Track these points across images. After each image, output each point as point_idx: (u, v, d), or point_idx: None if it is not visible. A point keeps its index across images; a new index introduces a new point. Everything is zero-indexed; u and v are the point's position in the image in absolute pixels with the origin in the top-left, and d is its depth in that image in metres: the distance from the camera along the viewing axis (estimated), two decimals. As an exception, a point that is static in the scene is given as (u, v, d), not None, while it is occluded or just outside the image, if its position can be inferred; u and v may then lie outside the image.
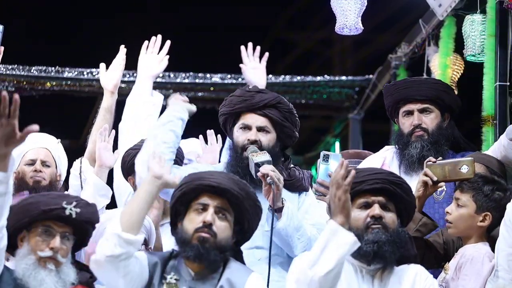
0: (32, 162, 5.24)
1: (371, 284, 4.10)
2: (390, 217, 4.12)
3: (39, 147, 5.29)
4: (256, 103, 4.72)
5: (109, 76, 5.46)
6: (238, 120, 4.75)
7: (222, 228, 3.98)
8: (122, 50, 5.54)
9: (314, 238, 4.61)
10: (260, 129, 4.70)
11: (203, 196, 4.01)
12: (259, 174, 4.50)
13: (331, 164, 4.85)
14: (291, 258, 4.66)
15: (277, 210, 4.53)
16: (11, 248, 4.02)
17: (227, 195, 4.03)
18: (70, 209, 3.98)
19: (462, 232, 4.50)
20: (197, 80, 8.24)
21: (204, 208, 3.99)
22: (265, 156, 4.56)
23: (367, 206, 4.13)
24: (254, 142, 4.66)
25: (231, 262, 4.03)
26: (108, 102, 5.43)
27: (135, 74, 7.81)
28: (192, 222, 3.98)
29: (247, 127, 4.71)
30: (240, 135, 4.71)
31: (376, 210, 4.10)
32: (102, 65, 5.52)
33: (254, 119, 4.71)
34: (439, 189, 4.88)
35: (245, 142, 4.67)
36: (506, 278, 4.20)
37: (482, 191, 4.46)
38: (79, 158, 5.39)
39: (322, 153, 4.88)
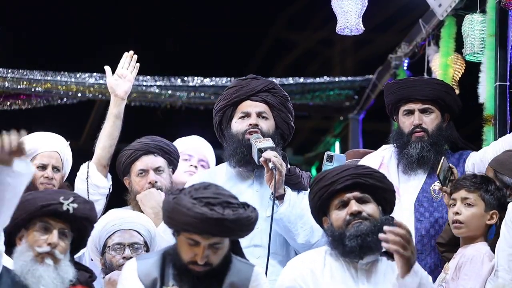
0: (43, 166, 5.22)
1: (364, 278, 4.09)
2: (370, 208, 4.10)
3: (52, 150, 5.24)
4: (253, 89, 4.79)
5: (121, 83, 5.37)
6: (235, 112, 4.79)
7: (217, 256, 3.86)
8: (134, 57, 5.43)
9: (317, 228, 4.63)
10: (259, 114, 4.75)
11: (194, 234, 3.83)
12: (261, 159, 4.53)
13: (335, 165, 4.86)
14: (290, 256, 4.69)
15: (278, 198, 4.56)
16: (9, 247, 4.02)
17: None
18: (68, 205, 3.97)
19: (471, 232, 4.50)
20: (195, 81, 8.23)
21: (196, 243, 3.83)
22: (268, 142, 4.60)
23: (344, 204, 4.12)
24: (255, 126, 4.68)
25: (233, 262, 3.96)
26: (118, 109, 5.33)
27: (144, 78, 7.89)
28: (185, 251, 3.85)
29: (246, 115, 4.75)
30: (239, 124, 4.75)
31: (353, 206, 4.09)
32: (108, 69, 5.44)
33: (253, 106, 4.77)
34: (437, 189, 4.88)
35: (246, 128, 4.70)
36: (506, 278, 4.20)
37: (488, 190, 4.48)
38: (86, 162, 5.36)
39: (326, 154, 4.89)
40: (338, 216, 4.11)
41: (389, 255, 4.04)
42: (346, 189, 4.12)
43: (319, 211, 4.21)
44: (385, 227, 3.90)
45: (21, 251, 3.97)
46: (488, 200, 4.48)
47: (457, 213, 4.50)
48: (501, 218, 4.45)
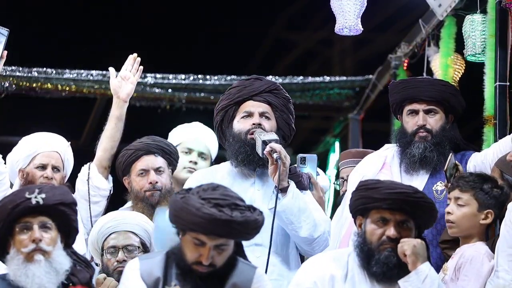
0: (43, 166, 5.21)
1: None
2: (407, 235, 4.06)
3: (51, 150, 5.24)
4: (256, 89, 4.80)
5: (124, 85, 5.36)
6: (237, 111, 4.80)
7: (222, 258, 3.87)
8: (138, 59, 5.41)
9: (319, 223, 4.64)
10: (261, 114, 4.76)
11: (201, 234, 3.83)
12: (265, 151, 4.54)
13: (308, 167, 4.88)
14: (291, 256, 4.69)
15: (282, 190, 4.56)
16: (2, 257, 4.01)
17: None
18: (35, 197, 3.93)
19: (464, 232, 4.50)
20: (195, 81, 8.23)
21: (202, 244, 3.83)
22: (272, 135, 4.63)
23: (384, 221, 4.07)
24: (258, 125, 4.70)
25: (236, 263, 3.96)
26: (120, 111, 5.33)
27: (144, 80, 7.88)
28: (190, 251, 3.85)
29: (249, 115, 4.76)
30: (242, 124, 4.75)
31: (392, 231, 4.04)
32: (112, 70, 5.42)
33: (255, 106, 4.78)
34: (440, 189, 4.89)
35: (249, 127, 4.72)
36: (506, 279, 4.19)
37: (482, 189, 4.47)
38: (88, 164, 5.36)
39: (298, 157, 4.90)
40: (374, 230, 4.07)
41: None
42: (391, 209, 4.06)
43: (357, 211, 4.18)
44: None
45: (11, 257, 3.95)
46: (481, 200, 4.47)
47: (449, 213, 4.52)
48: (499, 217, 4.46)
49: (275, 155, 4.51)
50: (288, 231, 4.65)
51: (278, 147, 4.54)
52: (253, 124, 4.73)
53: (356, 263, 4.11)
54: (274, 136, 4.62)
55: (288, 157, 4.58)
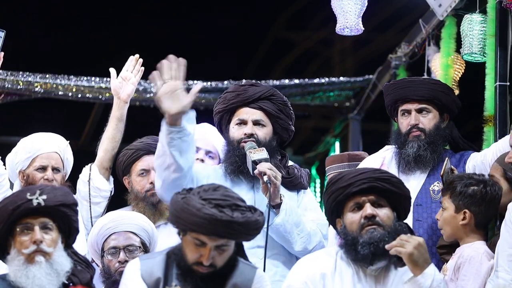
0: (43, 168, 5.21)
1: (373, 284, 4.10)
2: (384, 214, 4.10)
3: (51, 151, 5.24)
4: (250, 97, 4.77)
5: (124, 86, 5.36)
6: (233, 116, 4.79)
7: (222, 258, 3.88)
8: (139, 61, 5.40)
9: (314, 233, 4.64)
10: (255, 122, 4.74)
11: (201, 235, 3.84)
12: (256, 172, 4.51)
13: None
14: (293, 257, 4.69)
15: (275, 207, 4.56)
16: (2, 257, 4.02)
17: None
18: (36, 199, 3.94)
19: (452, 235, 4.51)
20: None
21: (203, 244, 3.84)
22: (262, 154, 4.58)
23: (359, 207, 4.12)
24: (250, 136, 4.68)
25: (236, 263, 3.97)
26: (121, 112, 5.32)
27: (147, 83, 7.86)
28: (191, 252, 3.87)
29: (242, 122, 4.75)
30: (236, 131, 4.75)
31: (368, 210, 4.09)
32: (113, 71, 5.43)
33: (249, 113, 4.75)
34: (437, 189, 4.89)
35: (241, 136, 4.70)
36: (506, 279, 4.19)
37: (456, 190, 4.47)
38: (89, 165, 5.36)
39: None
40: (352, 218, 4.11)
41: (399, 260, 4.06)
42: (362, 192, 4.11)
43: (333, 212, 4.21)
44: None
45: (12, 258, 3.96)
46: (456, 201, 4.47)
47: (437, 218, 4.56)
48: (478, 213, 4.44)
49: (265, 178, 4.49)
50: (284, 246, 4.65)
51: (267, 168, 4.51)
52: (245, 134, 4.71)
53: (344, 260, 4.13)
54: (264, 154, 4.57)
55: (279, 175, 4.55)
